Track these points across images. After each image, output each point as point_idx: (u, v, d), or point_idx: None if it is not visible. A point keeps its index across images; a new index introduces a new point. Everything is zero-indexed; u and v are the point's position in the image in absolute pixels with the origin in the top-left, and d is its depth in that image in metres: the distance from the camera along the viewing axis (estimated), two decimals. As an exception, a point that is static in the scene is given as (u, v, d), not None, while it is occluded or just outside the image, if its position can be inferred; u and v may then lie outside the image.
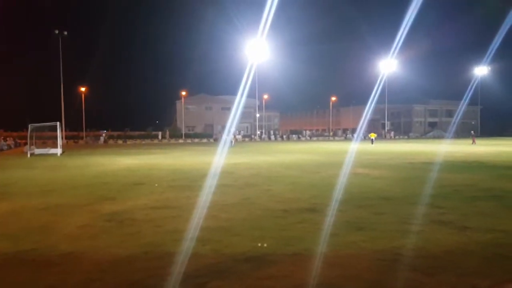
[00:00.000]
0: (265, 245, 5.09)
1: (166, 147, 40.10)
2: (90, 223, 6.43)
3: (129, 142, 57.40)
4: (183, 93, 71.84)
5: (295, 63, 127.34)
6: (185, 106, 74.46)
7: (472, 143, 40.72)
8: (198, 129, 77.25)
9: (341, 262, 4.41)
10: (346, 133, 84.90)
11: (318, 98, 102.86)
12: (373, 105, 64.22)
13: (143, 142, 56.83)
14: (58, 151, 26.76)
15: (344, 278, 3.99)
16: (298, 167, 15.89)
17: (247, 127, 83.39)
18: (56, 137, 27.76)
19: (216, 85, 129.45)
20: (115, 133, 65.41)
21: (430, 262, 4.37)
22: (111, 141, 57.78)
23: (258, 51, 54.28)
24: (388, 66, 65.21)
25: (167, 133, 65.95)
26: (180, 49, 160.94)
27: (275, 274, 4.11)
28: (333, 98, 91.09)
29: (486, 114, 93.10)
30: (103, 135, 61.91)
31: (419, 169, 15.25)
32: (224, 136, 49.98)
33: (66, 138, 49.53)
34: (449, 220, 6.38)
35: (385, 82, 66.66)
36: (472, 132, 47.57)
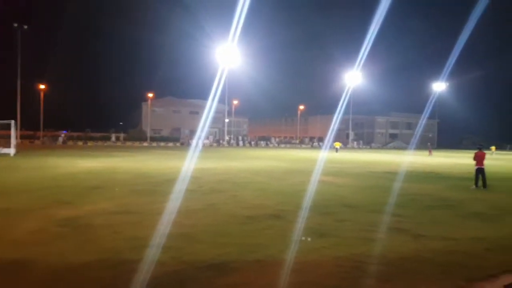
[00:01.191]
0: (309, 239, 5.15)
1: (130, 150, 39.12)
2: (43, 229, 6.11)
3: (90, 143, 55.46)
4: (150, 95, 70.39)
5: (266, 70, 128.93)
6: (152, 108, 72.99)
7: (429, 155, 42.71)
8: (165, 133, 75.83)
9: (303, 269, 4.49)
10: (313, 141, 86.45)
11: (287, 106, 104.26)
12: (340, 115, 66.02)
13: (105, 144, 55.11)
14: (11, 151, 25.43)
15: (305, 285, 4.07)
16: (265, 174, 16.01)
17: (215, 132, 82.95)
18: (9, 136, 26.37)
19: (185, 88, 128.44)
20: (75, 134, 62.98)
21: (386, 269, 4.54)
22: (70, 142, 55.57)
23: (228, 56, 54.33)
24: (353, 78, 67.30)
25: (122, 136, 64.00)
26: (148, 50, 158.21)
27: (237, 281, 4.13)
28: (302, 107, 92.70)
29: (442, 128, 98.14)
30: (62, 135, 59.42)
31: (380, 178, 15.80)
32: (193, 141, 49.48)
33: (21, 137, 47.00)
34: (406, 228, 6.67)
35: (350, 93, 68.74)
36: (429, 144, 49.90)
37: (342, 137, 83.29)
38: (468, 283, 4.16)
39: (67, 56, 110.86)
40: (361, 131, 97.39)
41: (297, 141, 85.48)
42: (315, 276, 4.29)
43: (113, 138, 62.10)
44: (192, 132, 70.67)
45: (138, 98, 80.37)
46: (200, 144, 45.78)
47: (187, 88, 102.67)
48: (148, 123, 69.66)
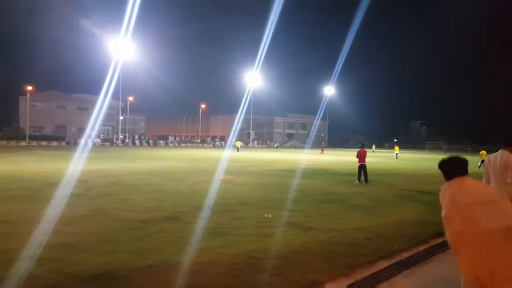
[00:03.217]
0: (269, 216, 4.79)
1: (5, 150, 34.11)
2: None
3: (-47, 144, 46.94)
4: (29, 88, 62.34)
5: (166, 67, 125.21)
6: (32, 103, 64.78)
7: (321, 153, 46.42)
8: (48, 131, 67.84)
9: (197, 270, 4.35)
10: (215, 140, 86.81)
11: (188, 105, 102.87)
12: (243, 115, 67.62)
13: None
14: None
15: (198, 286, 3.94)
16: (163, 174, 15.41)
17: (108, 130, 77.21)
18: None
19: (72, 82, 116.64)
20: None
21: (278, 263, 4.67)
22: None
23: (122, 49, 51.20)
24: (253, 79, 69.55)
25: None
26: (27, 40, 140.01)
27: (125, 290, 3.80)
28: (203, 106, 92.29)
29: (333, 128, 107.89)
30: None
31: (276, 175, 16.52)
32: (82, 140, 45.40)
33: None
34: (297, 222, 7.02)
35: (251, 94, 70.90)
36: (323, 143, 54.37)
37: (243, 136, 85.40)
38: (350, 271, 4.50)
39: None
40: (261, 130, 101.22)
41: (199, 141, 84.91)
42: (209, 276, 4.19)
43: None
44: (81, 130, 64.79)
45: (15, 91, 70.65)
46: (90, 144, 42.18)
47: (74, 82, 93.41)
48: (26, 120, 61.61)
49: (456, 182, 2.67)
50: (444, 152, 68.23)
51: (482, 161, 24.69)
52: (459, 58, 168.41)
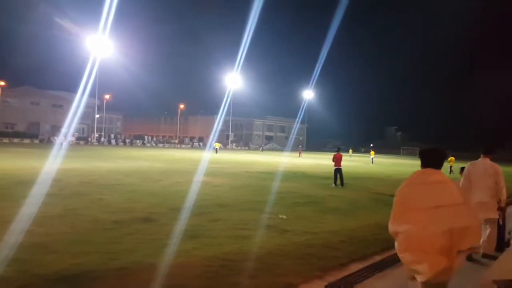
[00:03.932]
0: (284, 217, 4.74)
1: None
2: None
3: None
4: (2, 83, 60.17)
5: (144, 66, 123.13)
6: (4, 99, 62.48)
7: (299, 156, 46.82)
8: (20, 128, 65.57)
9: (171, 272, 4.30)
10: (193, 141, 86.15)
11: (167, 104, 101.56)
12: (223, 116, 67.44)
13: None
14: None
15: (172, 289, 3.89)
16: (139, 175, 15.16)
17: (83, 129, 75.32)
18: None
19: (47, 78, 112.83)
20: None
21: (254, 265, 4.67)
22: None
23: (100, 46, 50.18)
24: (233, 80, 69.45)
25: None
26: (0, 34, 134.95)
27: (95, 292, 3.71)
28: (182, 106, 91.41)
29: (311, 131, 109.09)
30: None
31: (255, 177, 16.54)
32: (56, 138, 44.12)
33: None
34: (274, 224, 7.05)
35: (231, 96, 70.79)
36: (300, 146, 54.84)
37: (222, 138, 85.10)
38: (324, 273, 4.55)
39: None
40: (240, 132, 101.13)
41: (177, 141, 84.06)
42: (183, 279, 4.15)
43: None
44: (55, 128, 62.99)
45: (-14, 86, 67.95)
46: (65, 142, 41.06)
47: (49, 79, 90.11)
48: (-3, 116, 59.42)
49: (427, 172, 2.94)
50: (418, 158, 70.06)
51: (451, 167, 25.91)
52: (434, 66, 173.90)
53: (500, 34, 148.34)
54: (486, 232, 5.35)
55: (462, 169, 6.78)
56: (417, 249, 2.68)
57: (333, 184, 14.46)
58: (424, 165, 3.02)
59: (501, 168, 5.46)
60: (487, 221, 5.34)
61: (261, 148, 63.63)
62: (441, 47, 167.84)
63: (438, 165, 2.98)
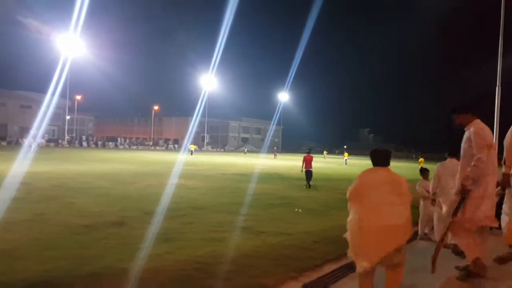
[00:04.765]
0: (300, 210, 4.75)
1: None
2: None
3: None
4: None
5: (117, 66, 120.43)
6: (-32, 99, 59.77)
7: (274, 158, 47.09)
8: (-14, 129, 62.93)
9: (143, 277, 4.22)
10: (168, 143, 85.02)
11: (141, 105, 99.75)
12: (198, 118, 66.86)
13: None
14: None
15: (144, 294, 3.83)
16: (111, 178, 14.82)
17: (53, 131, 72.94)
18: None
19: (14, 78, 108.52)
20: None
21: (228, 267, 4.66)
22: None
23: (71, 46, 48.77)
24: (209, 82, 69.06)
25: None
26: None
27: (64, 300, 3.60)
28: (156, 107, 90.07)
29: (286, 133, 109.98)
30: None
31: (230, 179, 16.51)
32: (25, 140, 42.50)
33: None
34: (249, 226, 7.06)
35: (206, 97, 70.36)
36: (275, 148, 55.18)
37: (197, 140, 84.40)
38: (298, 274, 4.59)
39: None
40: (216, 134, 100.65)
41: (151, 143, 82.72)
42: (156, 283, 4.09)
43: None
44: (24, 130, 60.69)
45: None
46: (34, 144, 39.58)
47: (17, 79, 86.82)
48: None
49: (374, 170, 3.52)
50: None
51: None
52: (406, 69, 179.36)
53: (473, 37, 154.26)
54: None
55: (422, 170, 7.14)
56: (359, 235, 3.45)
57: (307, 185, 14.58)
58: (373, 164, 3.51)
59: None
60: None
61: (245, 150, 63.86)
62: (414, 51, 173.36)
63: (385, 164, 3.48)
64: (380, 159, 3.50)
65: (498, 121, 9.80)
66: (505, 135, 5.27)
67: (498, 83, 9.96)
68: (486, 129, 4.60)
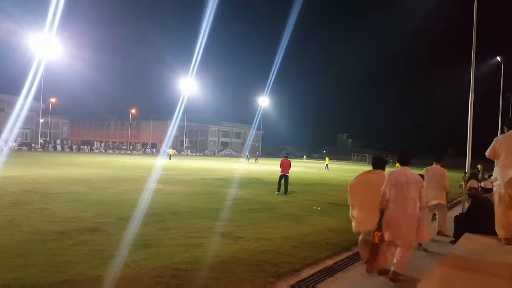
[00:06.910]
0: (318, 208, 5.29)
1: None
2: None
3: None
4: None
5: (93, 69, 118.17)
6: None
7: (255, 162, 47.06)
8: (-46, 133, 60.17)
9: (118, 284, 4.11)
10: (146, 147, 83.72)
11: (117, 109, 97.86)
12: (177, 122, 66.06)
13: None
14: None
15: (119, 303, 3.72)
16: (86, 182, 14.43)
17: (26, 134, 70.63)
18: None
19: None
20: None
21: (206, 274, 4.60)
22: None
23: (45, 48, 47.47)
24: (188, 86, 68.45)
25: None
26: None
27: (34, 310, 3.45)
28: (133, 111, 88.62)
29: (266, 138, 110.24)
30: None
31: (209, 184, 16.36)
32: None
33: None
34: (228, 231, 7.00)
35: (185, 101, 69.72)
36: (257, 152, 55.15)
37: (176, 144, 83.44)
38: (276, 279, 4.57)
39: None
40: (195, 138, 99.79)
41: (129, 147, 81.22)
42: (131, 292, 3.98)
43: None
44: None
45: None
46: (6, 148, 38.19)
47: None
48: None
49: (372, 171, 5.40)
50: (368, 163, 73.27)
51: None
52: (384, 76, 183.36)
53: (451, 42, 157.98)
54: (439, 216, 7.27)
55: None
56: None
57: (277, 191, 13.82)
58: (373, 167, 5.39)
59: (446, 172, 7.22)
60: (437, 206, 7.06)
61: (246, 156, 59.87)
62: (391, 57, 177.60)
63: (381, 167, 5.42)
64: (378, 163, 5.44)
65: (471, 127, 10.11)
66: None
67: (471, 89, 10.29)
68: None
